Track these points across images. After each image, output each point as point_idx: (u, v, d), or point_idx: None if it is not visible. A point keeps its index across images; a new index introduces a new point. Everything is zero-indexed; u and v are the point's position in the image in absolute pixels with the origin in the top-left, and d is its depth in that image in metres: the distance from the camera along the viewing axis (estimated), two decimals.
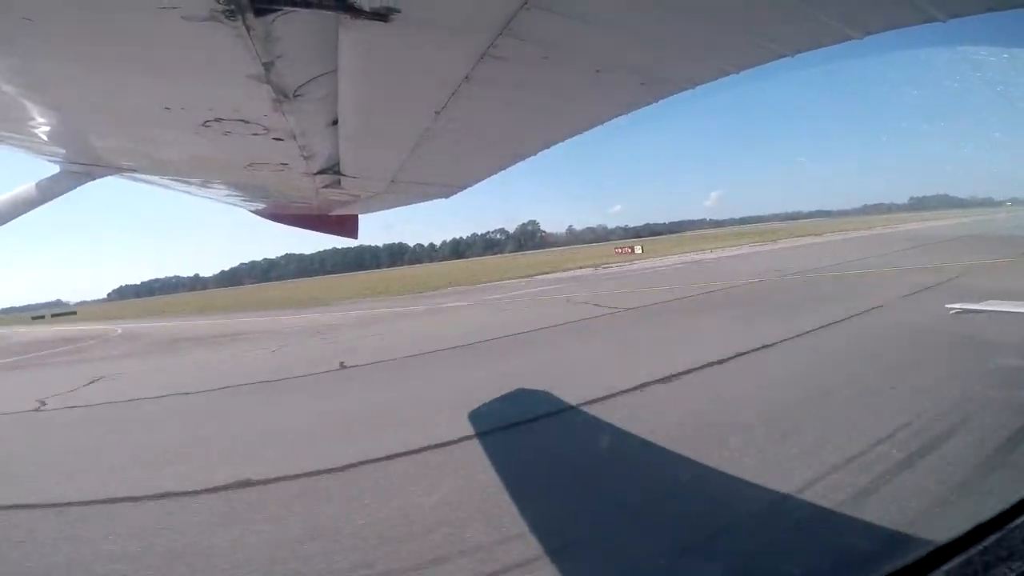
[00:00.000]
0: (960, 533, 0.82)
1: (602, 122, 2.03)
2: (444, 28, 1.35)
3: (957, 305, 7.88)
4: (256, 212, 4.50)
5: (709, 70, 1.59)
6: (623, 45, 1.44)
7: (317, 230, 5.35)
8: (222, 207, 3.72)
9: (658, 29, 1.37)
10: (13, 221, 2.12)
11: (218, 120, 1.79)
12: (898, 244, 24.49)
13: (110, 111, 1.65)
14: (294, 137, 2.11)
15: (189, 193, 3.36)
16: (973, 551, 0.78)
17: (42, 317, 59.55)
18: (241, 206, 4.22)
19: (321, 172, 2.87)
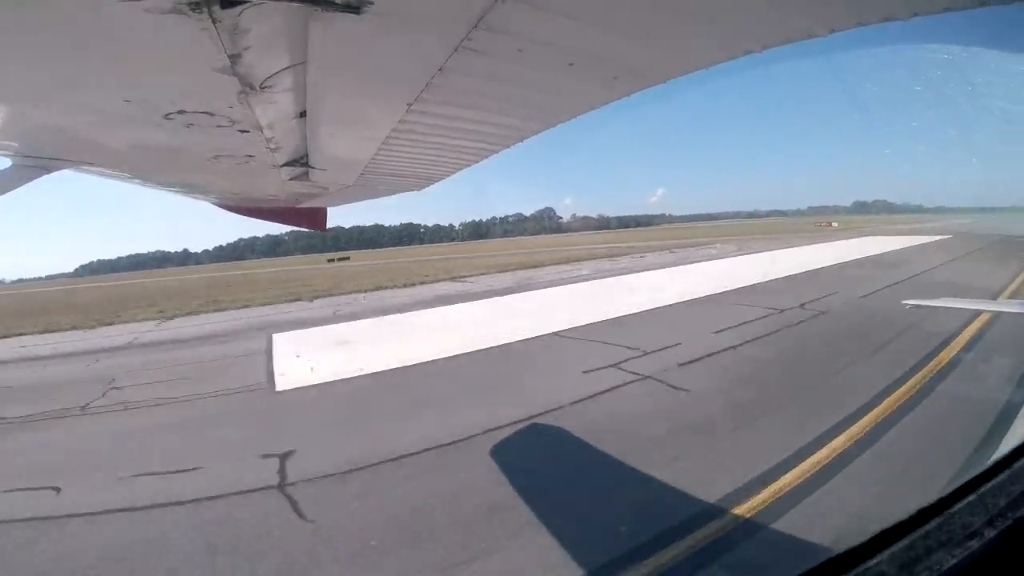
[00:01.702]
0: (902, 518, 0.83)
1: (575, 115, 2.04)
2: (418, 20, 1.33)
3: (912, 301, 8.40)
4: (219, 204, 4.35)
5: (677, 65, 1.62)
6: (594, 39, 1.45)
7: (284, 222, 5.24)
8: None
9: (629, 24, 1.38)
10: None
11: (181, 112, 1.72)
12: None
13: (67, 103, 1.57)
14: (260, 129, 2.05)
15: (150, 186, 3.23)
16: (915, 535, 0.78)
17: (332, 260, 59.66)
18: (203, 199, 4.08)
19: (288, 164, 2.79)
